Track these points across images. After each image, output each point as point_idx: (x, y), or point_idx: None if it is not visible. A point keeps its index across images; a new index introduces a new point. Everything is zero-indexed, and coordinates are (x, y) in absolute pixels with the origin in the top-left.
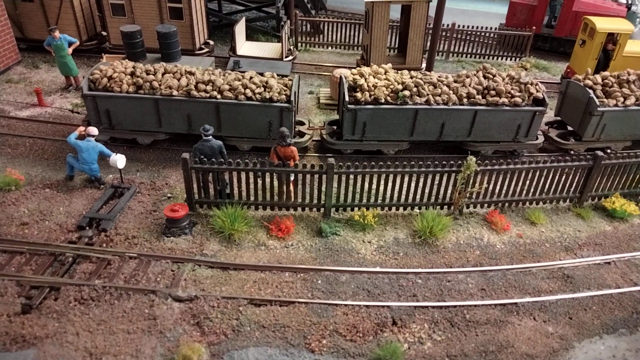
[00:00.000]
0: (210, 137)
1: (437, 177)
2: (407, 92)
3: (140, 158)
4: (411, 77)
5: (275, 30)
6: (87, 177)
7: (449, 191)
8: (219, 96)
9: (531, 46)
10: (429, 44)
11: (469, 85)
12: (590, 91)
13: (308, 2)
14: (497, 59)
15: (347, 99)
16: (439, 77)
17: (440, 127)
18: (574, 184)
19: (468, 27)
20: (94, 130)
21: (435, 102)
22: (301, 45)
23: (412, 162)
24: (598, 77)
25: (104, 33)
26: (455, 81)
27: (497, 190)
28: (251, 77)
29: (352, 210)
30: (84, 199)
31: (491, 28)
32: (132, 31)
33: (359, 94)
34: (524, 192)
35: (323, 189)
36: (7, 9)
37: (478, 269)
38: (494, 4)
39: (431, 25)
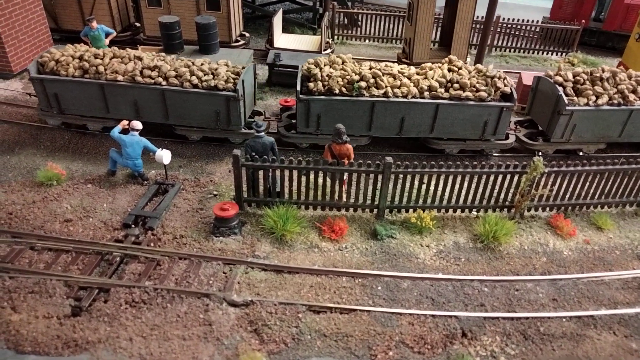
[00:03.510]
0: (263, 133)
1: (499, 179)
2: (362, 83)
3: (183, 153)
4: (370, 68)
5: (311, 22)
6: (129, 172)
7: (510, 193)
8: (164, 83)
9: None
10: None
11: (432, 78)
12: (560, 89)
13: None
14: (543, 53)
15: (299, 88)
16: (401, 68)
17: (399, 121)
18: None
19: (513, 20)
20: (138, 125)
21: (394, 95)
22: (337, 38)
23: (475, 162)
24: (569, 74)
25: (138, 24)
26: (417, 73)
27: (560, 193)
28: (202, 64)
29: (407, 211)
30: (127, 195)
31: (535, 21)
32: (171, 22)
33: (311, 84)
34: (589, 195)
35: (377, 188)
36: (42, 0)
37: (547, 278)
38: None
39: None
